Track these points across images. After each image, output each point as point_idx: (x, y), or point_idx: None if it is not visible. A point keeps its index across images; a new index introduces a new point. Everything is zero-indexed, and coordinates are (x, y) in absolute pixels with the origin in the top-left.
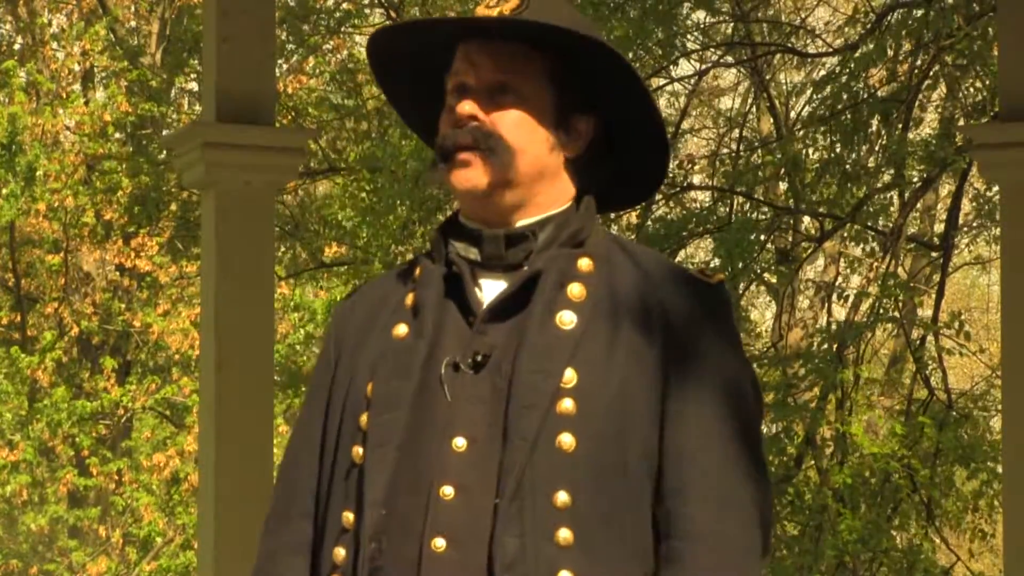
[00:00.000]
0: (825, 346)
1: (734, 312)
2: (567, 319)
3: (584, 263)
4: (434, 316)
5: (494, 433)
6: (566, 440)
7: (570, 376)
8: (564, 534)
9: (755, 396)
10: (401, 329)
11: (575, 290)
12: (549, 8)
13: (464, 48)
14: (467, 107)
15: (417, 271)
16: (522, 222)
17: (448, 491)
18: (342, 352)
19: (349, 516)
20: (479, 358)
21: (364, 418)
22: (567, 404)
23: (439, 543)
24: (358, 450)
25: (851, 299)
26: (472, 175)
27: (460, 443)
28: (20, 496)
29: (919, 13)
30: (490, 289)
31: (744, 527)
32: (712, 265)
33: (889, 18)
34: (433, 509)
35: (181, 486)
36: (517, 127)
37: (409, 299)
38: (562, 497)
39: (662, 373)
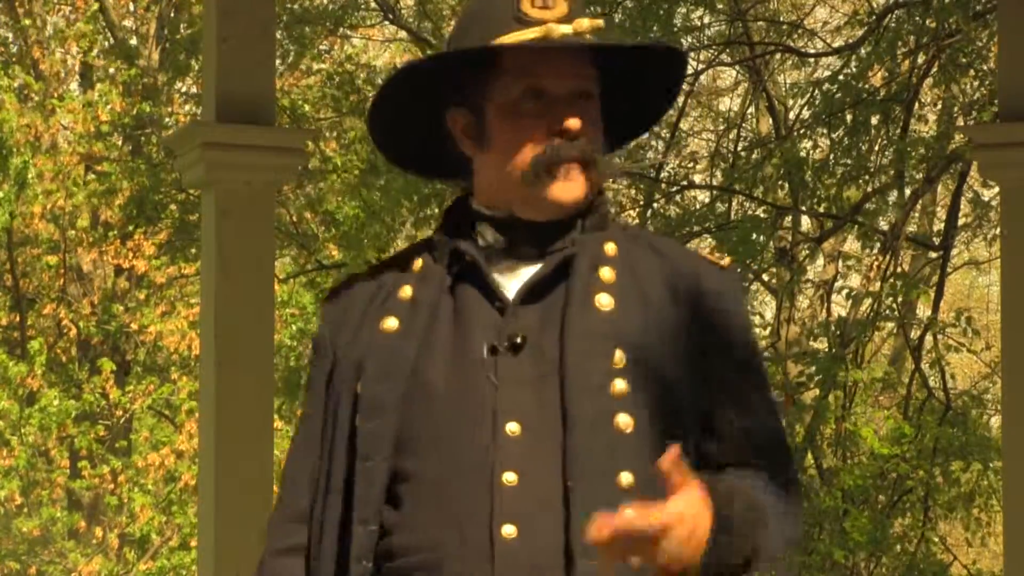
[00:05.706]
0: (826, 345)
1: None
2: (605, 301)
3: (610, 247)
4: (428, 316)
5: (547, 417)
6: (623, 420)
7: (620, 357)
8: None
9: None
10: (390, 323)
11: (606, 273)
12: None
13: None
14: (576, 122)
15: (416, 264)
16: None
17: (511, 478)
18: (338, 350)
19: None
20: (517, 340)
21: (357, 421)
22: (620, 385)
23: (509, 530)
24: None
25: (852, 300)
26: (576, 188)
27: (513, 428)
28: (13, 501)
29: (917, 14)
30: (507, 275)
31: (789, 461)
32: None
33: (889, 18)
34: (498, 496)
35: (176, 485)
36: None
37: (404, 291)
38: (626, 478)
39: (698, 349)
